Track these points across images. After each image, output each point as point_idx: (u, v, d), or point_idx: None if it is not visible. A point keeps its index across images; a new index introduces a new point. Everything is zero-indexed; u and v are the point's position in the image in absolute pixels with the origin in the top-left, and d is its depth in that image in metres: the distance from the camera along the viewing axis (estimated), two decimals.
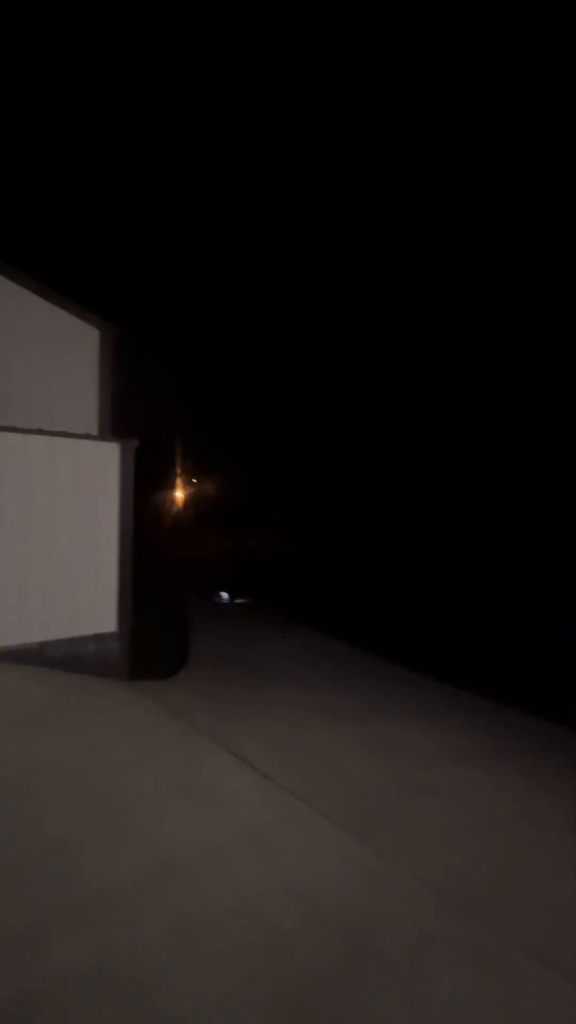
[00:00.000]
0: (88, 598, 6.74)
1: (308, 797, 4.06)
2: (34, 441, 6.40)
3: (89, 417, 7.95)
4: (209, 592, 14.95)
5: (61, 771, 4.00)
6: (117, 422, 8.29)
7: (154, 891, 2.88)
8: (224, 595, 14.68)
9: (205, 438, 34.07)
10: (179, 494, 35.46)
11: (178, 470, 35.04)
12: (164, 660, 8.30)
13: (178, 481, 35.29)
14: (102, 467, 6.88)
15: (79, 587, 6.66)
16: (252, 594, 14.98)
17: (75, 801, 3.64)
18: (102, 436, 7.63)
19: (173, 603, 12.94)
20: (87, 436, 7.01)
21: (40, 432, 6.47)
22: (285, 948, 2.60)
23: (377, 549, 24.62)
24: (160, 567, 19.21)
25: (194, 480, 36.18)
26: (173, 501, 35.17)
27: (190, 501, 36.01)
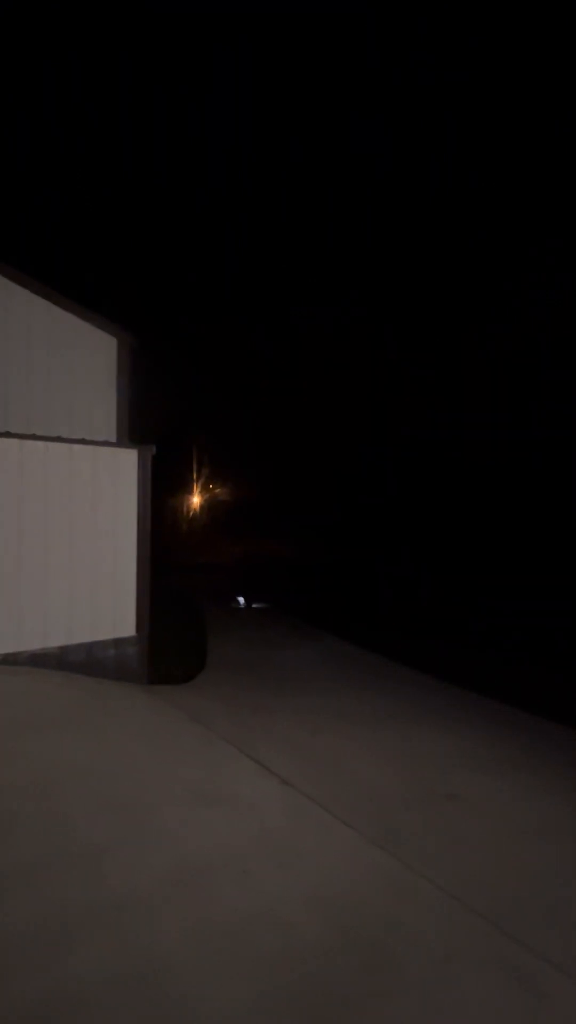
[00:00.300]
0: (108, 603, 6.79)
1: (328, 804, 4.02)
2: (56, 448, 6.49)
3: (107, 424, 8.04)
4: (226, 597, 14.99)
5: (82, 774, 4.02)
6: (134, 428, 8.38)
7: (176, 897, 2.88)
8: (241, 600, 14.70)
9: (221, 443, 34.28)
10: (196, 499, 35.68)
11: (194, 475, 35.29)
12: (182, 665, 8.33)
13: (194, 486, 35.53)
14: (121, 473, 6.95)
15: (99, 592, 6.73)
16: (269, 599, 14.98)
17: (96, 804, 3.65)
18: (120, 443, 7.71)
19: (190, 608, 12.99)
20: (106, 443, 7.09)
21: (61, 440, 6.56)
22: (308, 958, 2.56)
23: (393, 553, 24.48)
24: (177, 572, 19.33)
25: (210, 485, 36.40)
26: (190, 506, 35.40)
27: (206, 506, 36.21)
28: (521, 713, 6.88)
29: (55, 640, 6.40)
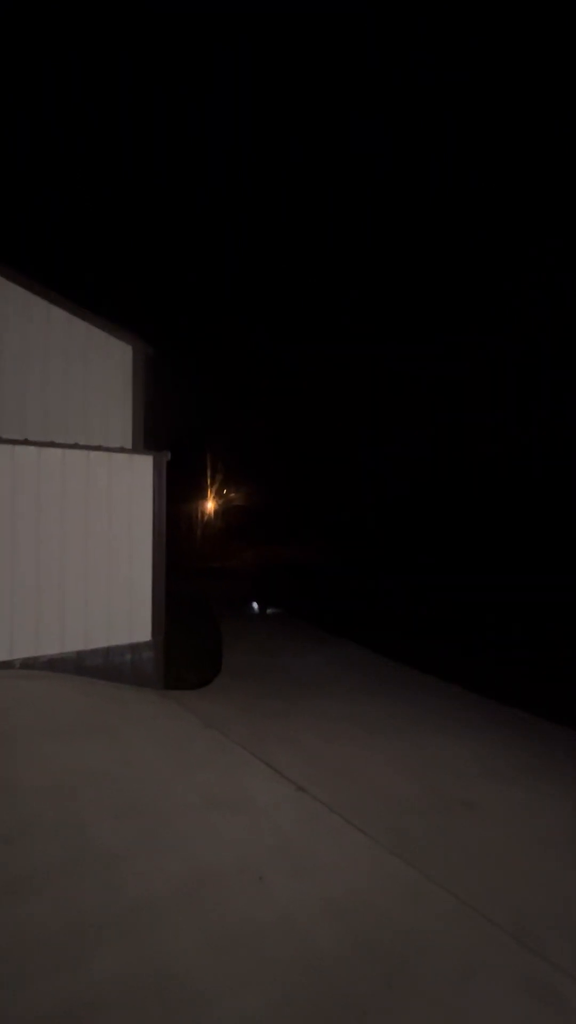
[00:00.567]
0: (123, 608, 6.85)
1: (344, 811, 4.01)
2: (73, 455, 6.59)
3: (123, 431, 8.13)
4: (240, 602, 15.02)
5: (99, 779, 4.06)
6: (149, 435, 8.46)
7: (192, 904, 2.89)
8: (255, 605, 14.72)
9: (235, 449, 34.43)
10: (210, 505, 35.85)
11: (209, 481, 35.49)
12: (197, 670, 8.36)
13: (209, 492, 35.71)
14: (136, 479, 7.03)
15: (115, 597, 6.79)
16: (283, 604, 14.98)
17: (113, 810, 3.68)
18: (135, 449, 7.79)
19: (205, 613, 13.04)
20: (121, 449, 7.17)
21: (78, 447, 6.66)
22: (323, 968, 2.55)
23: (408, 559, 24.32)
24: (192, 577, 19.43)
25: (225, 491, 36.56)
26: (204, 512, 35.58)
27: (220, 512, 36.36)
28: (537, 720, 6.79)
29: (72, 645, 6.47)
